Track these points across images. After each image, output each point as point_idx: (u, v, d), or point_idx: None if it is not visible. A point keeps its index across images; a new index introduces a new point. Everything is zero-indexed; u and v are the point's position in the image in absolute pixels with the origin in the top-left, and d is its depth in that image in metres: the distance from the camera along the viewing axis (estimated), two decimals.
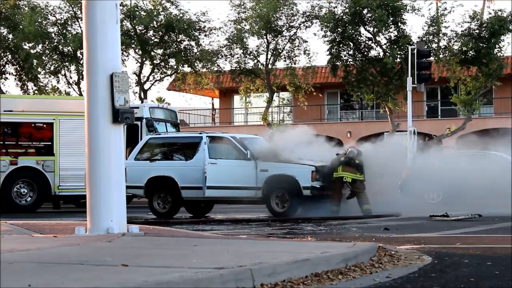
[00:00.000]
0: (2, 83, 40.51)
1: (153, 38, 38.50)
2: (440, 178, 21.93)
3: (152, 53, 38.48)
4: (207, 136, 20.10)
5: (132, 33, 37.71)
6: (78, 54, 37.00)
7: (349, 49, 36.80)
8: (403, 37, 35.10)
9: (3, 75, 40.15)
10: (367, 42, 36.74)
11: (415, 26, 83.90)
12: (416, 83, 30.24)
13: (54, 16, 38.41)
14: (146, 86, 39.13)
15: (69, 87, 39.66)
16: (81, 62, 35.91)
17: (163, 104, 30.73)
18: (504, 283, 7.13)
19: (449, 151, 28.74)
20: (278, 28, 37.84)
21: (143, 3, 38.17)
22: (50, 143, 24.36)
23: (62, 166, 24.13)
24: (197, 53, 38.17)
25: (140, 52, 38.42)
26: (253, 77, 38.98)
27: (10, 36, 39.16)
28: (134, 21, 37.54)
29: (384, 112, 39.63)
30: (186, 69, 39.19)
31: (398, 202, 20.33)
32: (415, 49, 30.43)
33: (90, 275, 6.18)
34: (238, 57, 38.60)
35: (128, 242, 9.22)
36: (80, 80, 38.14)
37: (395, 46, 35.15)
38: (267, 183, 19.40)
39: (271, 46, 38.33)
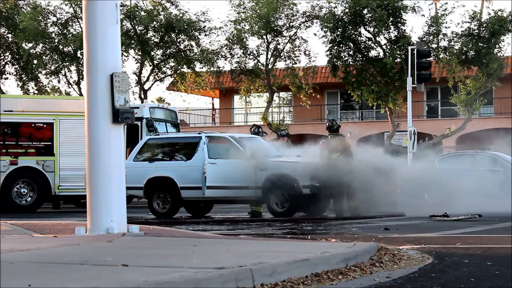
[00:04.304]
0: (2, 83, 40.58)
1: (153, 38, 38.50)
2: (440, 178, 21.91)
3: (152, 54, 38.47)
4: (206, 136, 20.04)
5: (132, 33, 37.71)
6: (78, 54, 37.00)
7: (349, 49, 36.80)
8: (403, 37, 35.10)
9: (3, 75, 40.17)
10: (367, 42, 36.75)
11: (415, 26, 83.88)
12: (416, 83, 30.23)
13: (55, 16, 38.44)
14: (146, 86, 39.14)
15: (69, 87, 39.70)
16: (81, 62, 35.90)
17: (163, 104, 30.72)
18: (504, 283, 7.12)
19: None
20: (278, 28, 37.84)
21: (143, 3, 38.21)
22: (50, 143, 24.35)
23: (62, 166, 24.13)
24: (197, 53, 38.17)
25: (140, 53, 38.41)
26: (253, 77, 38.99)
27: (10, 36, 39.17)
28: (134, 21, 37.54)
29: (384, 112, 39.64)
30: (186, 69, 39.18)
31: (399, 202, 20.31)
32: (415, 49, 30.42)
33: (90, 275, 6.18)
34: (238, 57, 38.62)
35: (128, 242, 9.21)
36: (80, 80, 38.14)
37: (395, 46, 35.15)
38: (266, 182, 19.35)
39: (271, 46, 38.35)
